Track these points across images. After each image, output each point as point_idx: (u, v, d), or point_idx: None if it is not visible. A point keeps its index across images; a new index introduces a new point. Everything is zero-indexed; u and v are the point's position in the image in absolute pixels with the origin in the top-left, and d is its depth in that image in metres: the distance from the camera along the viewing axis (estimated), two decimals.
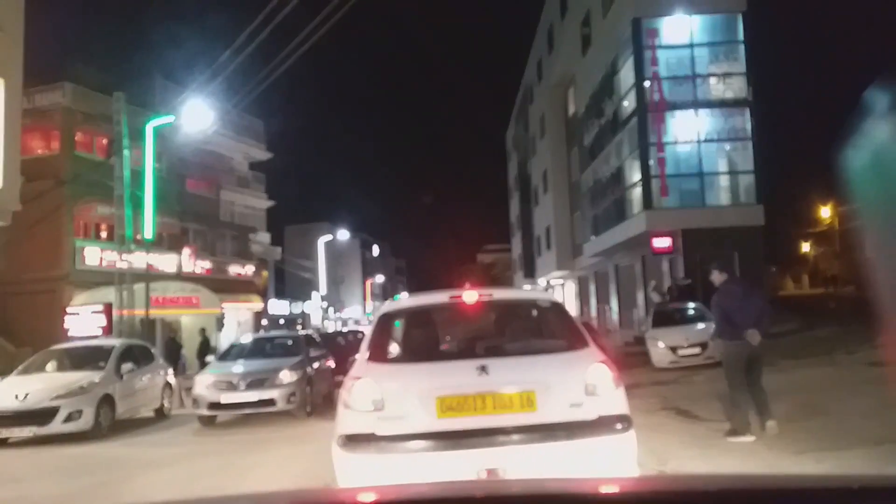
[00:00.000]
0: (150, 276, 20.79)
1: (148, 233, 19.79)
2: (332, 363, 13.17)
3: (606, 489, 1.63)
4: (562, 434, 3.70)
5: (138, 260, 19.77)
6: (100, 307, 19.74)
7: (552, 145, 33.94)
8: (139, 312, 19.31)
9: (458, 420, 3.73)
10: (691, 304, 16.48)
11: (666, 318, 16.10)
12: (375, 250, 75.53)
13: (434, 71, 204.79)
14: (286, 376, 10.58)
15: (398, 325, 4.91)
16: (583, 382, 3.85)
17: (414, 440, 3.73)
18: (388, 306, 5.08)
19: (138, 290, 19.30)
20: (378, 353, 4.31)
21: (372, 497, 1.72)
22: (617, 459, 3.78)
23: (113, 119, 19.20)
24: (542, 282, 40.36)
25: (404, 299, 5.43)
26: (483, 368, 3.82)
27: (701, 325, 14.87)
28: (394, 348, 4.69)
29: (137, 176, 19.88)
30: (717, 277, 7.23)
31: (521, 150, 44.91)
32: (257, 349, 12.65)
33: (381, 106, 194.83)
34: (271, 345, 13.11)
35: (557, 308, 4.81)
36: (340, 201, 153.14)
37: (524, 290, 6.48)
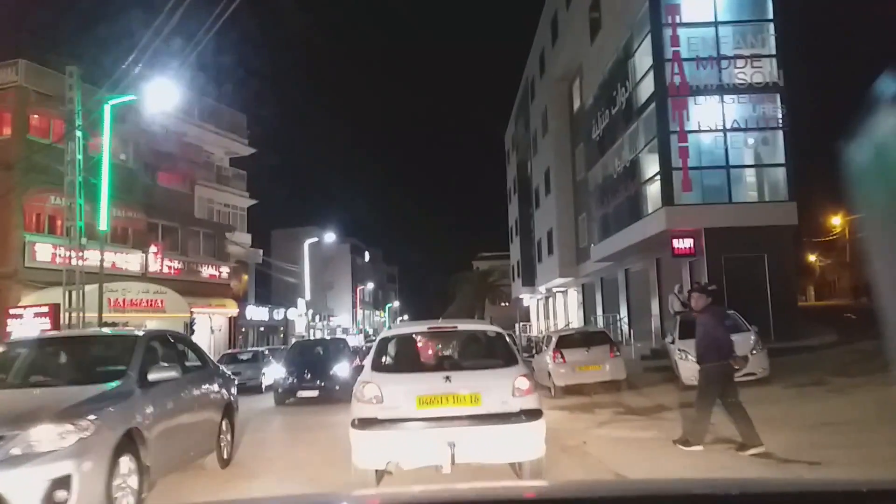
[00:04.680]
0: (105, 274, 18.39)
1: (103, 224, 17.42)
2: (226, 391, 7.49)
3: (593, 494, 1.68)
4: (496, 420, 5.39)
5: (94, 256, 17.34)
6: (45, 308, 17.37)
7: (555, 142, 31.81)
8: (92, 315, 16.81)
9: (430, 410, 5.41)
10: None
11: (694, 327, 13.96)
12: (366, 256, 73.11)
13: (430, 71, 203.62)
14: (44, 436, 4.47)
15: (393, 344, 6.50)
16: (511, 387, 5.51)
17: (402, 422, 5.39)
18: (385, 333, 7.02)
19: (93, 291, 16.83)
20: (379, 365, 5.99)
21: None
22: (531, 438, 5.44)
23: (66, 97, 16.94)
24: (542, 289, 38.04)
25: (397, 327, 9.02)
26: (448, 378, 5.51)
27: (736, 336, 12.71)
28: (389, 361, 6.28)
29: (97, 164, 17.59)
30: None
31: (521, 150, 42.77)
32: (50, 361, 6.46)
33: (375, 110, 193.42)
34: (83, 349, 6.68)
35: (500, 336, 6.34)
36: (331, 206, 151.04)
37: (478, 322, 9.49)
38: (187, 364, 6.91)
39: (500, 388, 5.45)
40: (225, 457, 7.13)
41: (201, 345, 29.47)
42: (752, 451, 6.38)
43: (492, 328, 6.63)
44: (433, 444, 5.21)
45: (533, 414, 5.42)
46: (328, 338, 27.66)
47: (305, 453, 8.20)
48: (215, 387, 7.25)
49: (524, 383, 5.51)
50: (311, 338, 32.84)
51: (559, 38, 30.68)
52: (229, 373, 8.58)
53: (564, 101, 31.84)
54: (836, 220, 50.17)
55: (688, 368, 12.59)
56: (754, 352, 12.18)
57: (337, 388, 13.71)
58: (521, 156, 42.76)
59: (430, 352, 9.92)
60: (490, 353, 6.27)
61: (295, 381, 13.89)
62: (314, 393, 13.64)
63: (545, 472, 5.66)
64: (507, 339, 6.38)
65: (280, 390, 14.12)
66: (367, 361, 6.01)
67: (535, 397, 5.58)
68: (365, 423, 5.37)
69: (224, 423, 7.14)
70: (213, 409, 6.96)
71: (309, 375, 13.91)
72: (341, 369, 14.16)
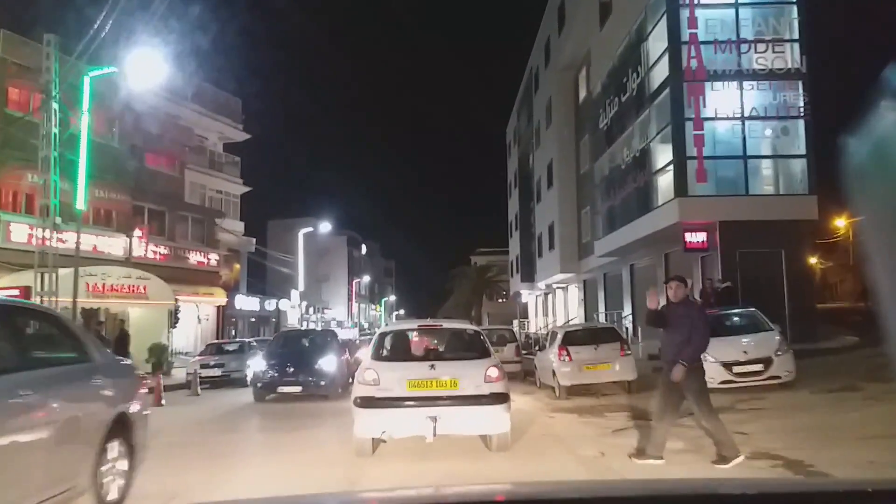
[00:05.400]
0: (85, 258, 17.33)
1: (80, 203, 16.34)
2: (123, 397, 5.01)
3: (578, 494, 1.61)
4: (471, 401, 6.61)
5: (72, 237, 16.25)
6: (15, 291, 16.31)
7: (559, 134, 30.74)
8: (68, 300, 15.72)
9: (417, 392, 6.62)
10: (742, 310, 13.16)
11: (712, 326, 12.92)
12: (363, 249, 71.98)
13: (430, 64, 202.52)
14: None
15: (389, 338, 8.04)
16: (483, 375, 6.72)
17: (395, 401, 6.62)
18: (383, 328, 9.07)
19: (69, 275, 15.75)
20: (377, 354, 7.32)
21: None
22: (499, 416, 6.67)
23: (43, 66, 15.84)
24: (541, 285, 36.99)
25: (393, 324, 12.10)
26: (433, 366, 6.80)
27: (759, 336, 11.80)
28: (385, 352, 7.61)
29: (76, 140, 16.49)
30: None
31: (523, 143, 41.67)
32: None
33: (375, 104, 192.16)
34: None
35: (477, 333, 7.94)
36: (329, 198, 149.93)
37: (460, 322, 10.45)
38: (41, 355, 4.57)
39: (475, 375, 6.69)
40: (111, 498, 4.65)
41: (186, 334, 27.80)
42: (649, 460, 6.12)
43: (471, 327, 8.45)
44: (419, 418, 6.43)
45: (501, 397, 6.65)
46: (317, 329, 26.48)
47: (256, 479, 6.25)
48: (98, 391, 4.71)
49: (494, 372, 6.76)
50: (299, 328, 31.70)
51: (566, 25, 29.55)
52: (134, 367, 6.11)
53: (570, 91, 30.76)
54: (840, 222, 49.09)
55: (708, 371, 11.54)
56: (779, 353, 11.19)
57: (323, 383, 12.61)
58: (522, 149, 41.68)
59: (421, 345, 11.03)
60: (468, 347, 7.55)
61: (276, 374, 12.74)
62: (297, 388, 12.48)
63: (510, 445, 6.90)
64: (482, 335, 7.76)
65: (259, 385, 12.88)
66: (368, 352, 7.46)
67: (503, 383, 6.77)
68: (365, 402, 6.64)
69: (115, 445, 4.72)
70: (90, 425, 4.43)
71: (292, 369, 12.76)
72: (328, 363, 12.99)
